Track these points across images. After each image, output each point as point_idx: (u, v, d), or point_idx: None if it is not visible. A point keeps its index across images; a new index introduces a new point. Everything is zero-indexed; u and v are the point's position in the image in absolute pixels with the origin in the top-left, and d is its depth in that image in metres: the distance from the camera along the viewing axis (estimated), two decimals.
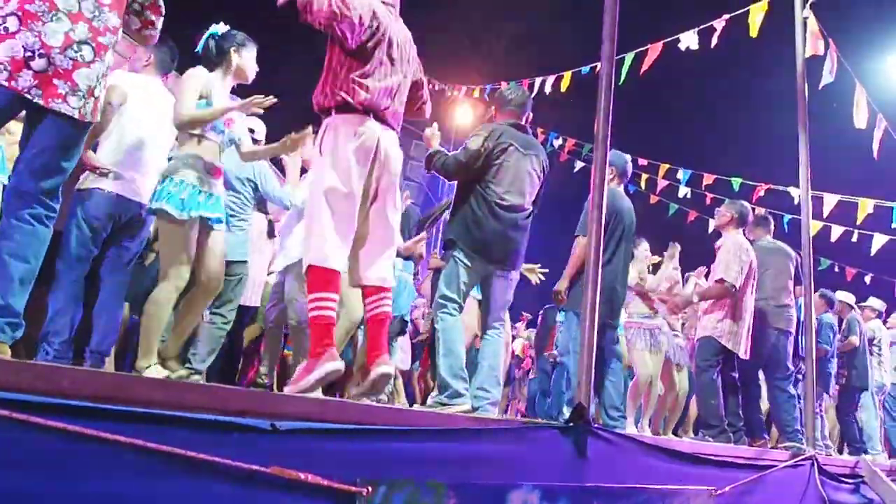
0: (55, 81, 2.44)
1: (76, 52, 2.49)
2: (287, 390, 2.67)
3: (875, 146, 6.56)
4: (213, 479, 1.71)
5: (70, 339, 3.44)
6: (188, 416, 1.71)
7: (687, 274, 6.55)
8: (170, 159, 3.58)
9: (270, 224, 5.34)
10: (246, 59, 3.59)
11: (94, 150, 3.54)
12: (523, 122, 4.17)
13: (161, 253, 3.47)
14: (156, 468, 1.63)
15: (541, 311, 8.94)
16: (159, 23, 2.94)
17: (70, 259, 3.47)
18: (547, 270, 5.13)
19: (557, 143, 10.83)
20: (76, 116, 2.48)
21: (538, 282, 5.14)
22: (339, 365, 2.66)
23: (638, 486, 3.03)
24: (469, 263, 3.81)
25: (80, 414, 1.53)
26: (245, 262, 4.36)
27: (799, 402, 5.56)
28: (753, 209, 6.45)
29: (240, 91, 3.73)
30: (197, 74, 3.42)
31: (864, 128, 6.26)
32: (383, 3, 3.07)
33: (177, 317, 3.62)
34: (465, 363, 3.70)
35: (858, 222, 8.47)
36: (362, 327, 4.39)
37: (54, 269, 3.49)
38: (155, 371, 3.26)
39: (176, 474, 1.66)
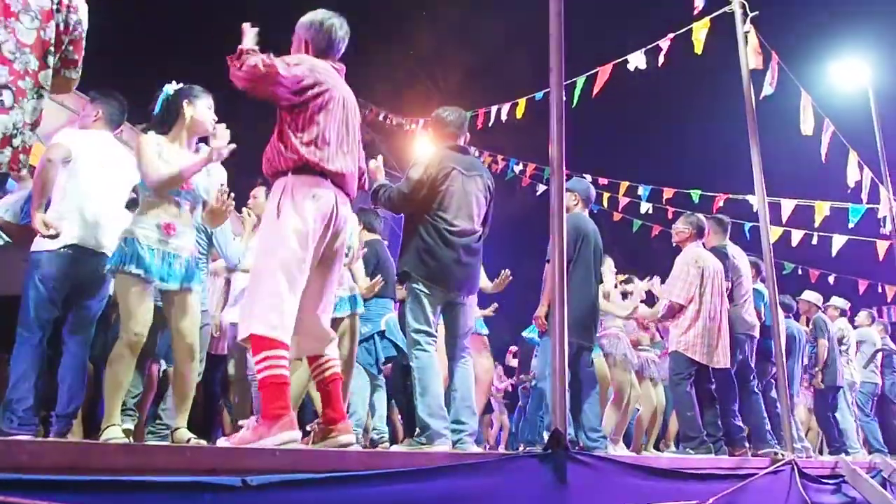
0: None
1: None
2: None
3: (823, 150, 6.75)
4: None
5: (34, 405, 3.36)
6: (156, 480, 1.67)
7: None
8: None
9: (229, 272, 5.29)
10: (200, 111, 3.48)
11: (46, 210, 3.48)
12: (462, 144, 4.11)
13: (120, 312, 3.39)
14: None
15: (518, 340, 8.95)
16: (80, 66, 2.70)
17: (29, 323, 3.41)
18: (510, 275, 5.14)
19: (518, 168, 10.93)
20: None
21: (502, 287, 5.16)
22: (296, 435, 2.55)
23: None
24: (429, 292, 3.74)
25: (42, 487, 1.49)
26: (205, 310, 4.31)
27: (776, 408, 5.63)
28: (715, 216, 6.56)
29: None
30: (148, 140, 3.35)
31: (811, 134, 6.44)
32: (332, 66, 3.01)
33: (173, 389, 3.58)
34: (443, 400, 3.65)
35: (817, 225, 8.67)
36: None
37: (15, 334, 3.43)
38: (111, 433, 3.17)
39: None
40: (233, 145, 3.28)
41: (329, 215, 2.82)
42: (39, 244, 3.49)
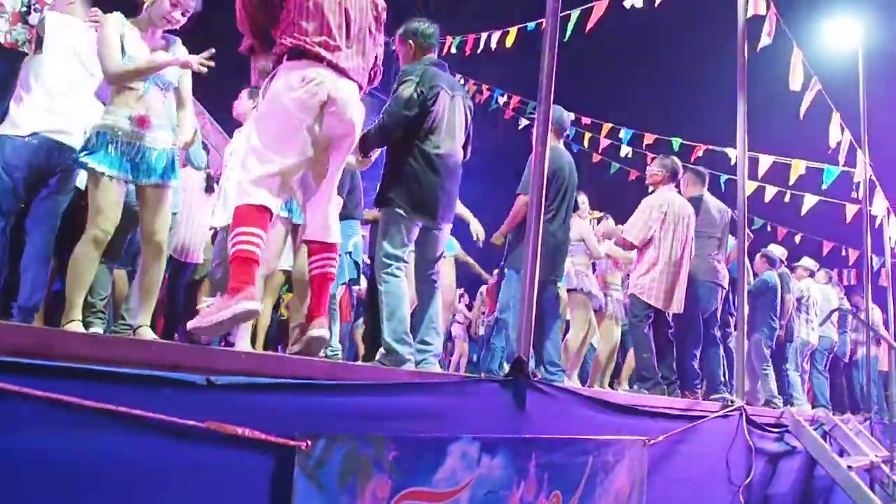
0: None
1: None
2: (191, 325, 2.53)
3: (804, 107, 6.74)
4: (146, 435, 1.67)
5: None
6: (119, 371, 1.67)
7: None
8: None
9: (209, 178, 5.20)
10: (162, 4, 3.24)
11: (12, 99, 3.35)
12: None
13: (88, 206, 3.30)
14: (86, 424, 1.58)
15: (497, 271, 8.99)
16: None
17: None
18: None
19: (502, 100, 10.79)
20: (1, 41, 2.28)
21: (478, 238, 5.16)
22: (256, 305, 2.51)
23: (575, 436, 3.11)
24: (408, 218, 3.65)
25: (3, 369, 1.47)
26: (175, 213, 4.23)
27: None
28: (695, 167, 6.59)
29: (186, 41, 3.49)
30: (111, 22, 3.17)
31: (799, 89, 6.42)
32: None
33: (138, 287, 3.46)
34: (409, 326, 3.66)
35: (791, 183, 8.75)
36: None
37: None
38: (73, 327, 3.10)
39: (108, 430, 1.62)
40: (207, 61, 3.20)
41: (324, 99, 2.75)
42: (4, 129, 3.37)
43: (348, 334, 7.50)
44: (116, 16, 3.24)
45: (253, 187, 2.62)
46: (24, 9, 2.33)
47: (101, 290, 3.89)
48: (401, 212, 3.63)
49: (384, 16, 3.17)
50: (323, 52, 2.76)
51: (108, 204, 3.12)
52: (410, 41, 3.90)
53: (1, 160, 3.32)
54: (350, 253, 4.97)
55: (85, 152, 3.12)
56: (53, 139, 3.42)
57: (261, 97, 2.81)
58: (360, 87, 2.98)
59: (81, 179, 3.62)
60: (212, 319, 2.45)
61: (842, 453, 5.60)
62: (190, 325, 2.56)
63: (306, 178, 2.95)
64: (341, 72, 2.83)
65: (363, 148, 3.78)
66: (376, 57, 3.16)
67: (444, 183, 3.70)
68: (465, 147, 3.94)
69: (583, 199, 6.08)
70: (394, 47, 4.01)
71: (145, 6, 3.29)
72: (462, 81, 9.10)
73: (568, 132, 5.17)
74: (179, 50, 3.39)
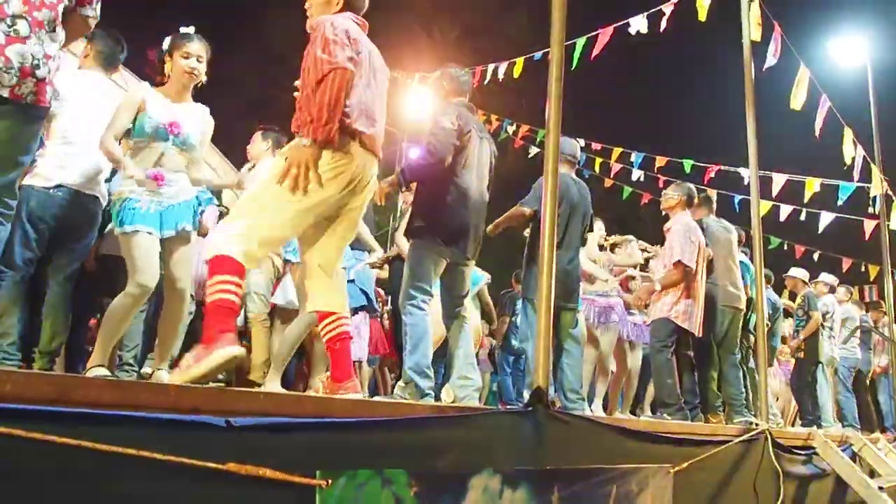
0: None
1: (9, 26, 2.35)
2: (173, 378, 2.46)
3: (818, 125, 6.73)
4: (167, 479, 1.68)
5: (17, 340, 3.35)
6: (140, 416, 1.68)
7: (646, 256, 6.68)
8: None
9: (222, 215, 5.25)
10: (176, 62, 3.39)
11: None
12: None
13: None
14: (108, 470, 1.59)
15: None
16: (97, 3, 2.71)
17: (13, 260, 3.37)
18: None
19: (511, 129, 10.85)
20: (6, 95, 2.34)
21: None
22: (238, 351, 2.44)
23: (597, 466, 3.07)
24: (438, 252, 3.71)
25: (26, 417, 1.49)
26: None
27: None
28: (706, 191, 6.59)
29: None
30: (131, 98, 3.32)
31: (799, 109, 6.41)
32: (355, 22, 2.85)
33: (159, 331, 3.53)
34: (431, 361, 3.67)
35: (806, 201, 8.71)
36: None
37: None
38: (97, 372, 3.17)
39: (129, 475, 1.62)
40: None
41: (350, 178, 2.71)
42: (30, 179, 3.44)
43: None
44: (140, 87, 3.36)
45: (243, 249, 2.54)
46: (36, 62, 2.39)
47: (128, 342, 3.91)
48: (431, 245, 3.66)
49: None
50: (354, 130, 2.71)
51: (146, 258, 3.20)
52: (445, 83, 4.06)
53: (26, 211, 3.37)
54: (353, 281, 4.97)
55: (114, 220, 3.23)
56: (77, 190, 3.49)
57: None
58: (379, 159, 2.94)
59: None
60: (194, 373, 2.37)
61: (872, 474, 5.48)
62: (174, 377, 2.48)
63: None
64: (367, 148, 2.79)
65: (408, 179, 3.85)
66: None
67: (473, 219, 3.75)
68: (487, 188, 4.03)
69: (599, 226, 6.09)
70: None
71: (167, 75, 3.42)
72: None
73: (580, 160, 5.20)
74: (205, 116, 3.53)
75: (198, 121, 3.46)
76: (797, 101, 6.42)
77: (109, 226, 3.59)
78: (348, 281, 4.95)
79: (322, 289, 2.85)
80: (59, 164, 3.45)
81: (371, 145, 2.80)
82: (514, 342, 7.44)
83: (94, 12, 2.72)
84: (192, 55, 3.39)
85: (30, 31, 2.37)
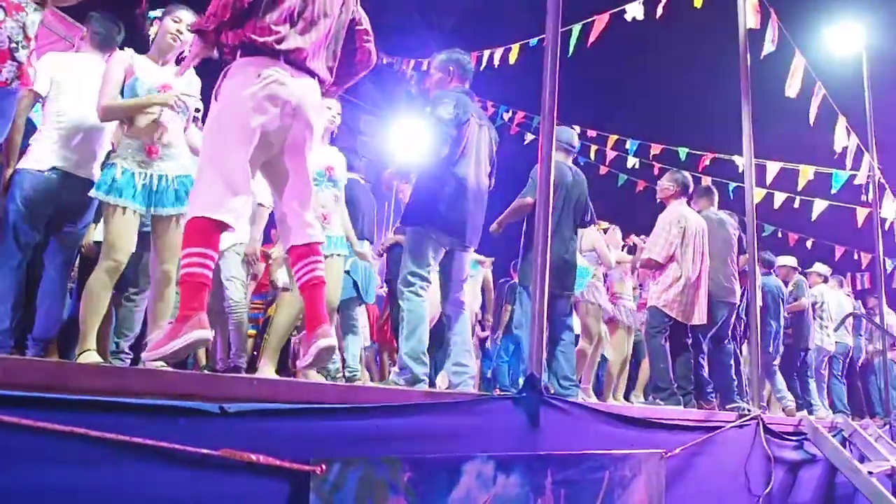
0: None
1: None
2: (144, 356, 2.47)
3: (812, 113, 6.74)
4: (161, 465, 1.68)
5: (11, 327, 3.34)
6: (133, 402, 1.67)
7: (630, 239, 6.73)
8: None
9: None
10: (165, 24, 3.37)
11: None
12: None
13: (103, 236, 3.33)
14: (101, 457, 1.59)
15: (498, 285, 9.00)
16: None
17: (8, 245, 3.35)
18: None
19: (507, 115, 10.83)
20: None
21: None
22: (208, 334, 2.39)
23: (591, 452, 3.09)
24: (437, 240, 3.73)
25: (17, 404, 1.48)
26: None
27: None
28: (700, 179, 6.60)
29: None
30: (118, 59, 3.28)
31: (795, 97, 6.42)
32: None
33: (150, 315, 3.44)
34: (427, 347, 3.68)
35: (800, 189, 8.72)
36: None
37: None
38: (87, 357, 3.14)
39: (123, 462, 1.62)
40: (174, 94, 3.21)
41: (279, 98, 2.55)
42: (24, 163, 3.41)
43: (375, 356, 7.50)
44: (124, 52, 3.32)
45: (211, 198, 2.45)
46: (14, 45, 2.35)
47: (126, 330, 3.83)
48: (429, 232, 3.68)
49: None
50: (279, 47, 2.57)
51: (121, 234, 3.16)
52: (451, 67, 4.03)
53: (20, 194, 3.36)
54: (348, 272, 4.96)
55: (97, 187, 3.17)
56: (72, 173, 3.46)
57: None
58: (322, 82, 2.79)
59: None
60: (165, 350, 2.34)
61: (862, 459, 5.53)
62: (144, 355, 2.48)
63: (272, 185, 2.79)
64: (300, 67, 2.64)
65: (409, 177, 3.85)
66: (360, 37, 2.95)
67: (472, 207, 3.75)
68: (489, 175, 4.02)
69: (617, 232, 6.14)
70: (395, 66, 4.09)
71: (151, 39, 3.37)
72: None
73: (576, 148, 5.20)
74: (193, 80, 3.47)
75: (186, 81, 3.39)
76: (792, 89, 6.43)
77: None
78: (345, 272, 4.96)
79: (294, 224, 2.72)
80: (53, 147, 3.42)
81: (302, 64, 2.64)
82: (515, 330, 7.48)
83: None
84: (181, 21, 3.38)
85: (4, 16, 2.34)
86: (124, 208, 3.15)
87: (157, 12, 3.47)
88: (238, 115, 2.50)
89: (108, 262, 3.15)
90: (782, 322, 7.16)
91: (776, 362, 6.98)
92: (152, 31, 3.43)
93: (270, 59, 2.56)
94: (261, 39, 2.53)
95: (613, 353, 6.43)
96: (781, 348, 7.11)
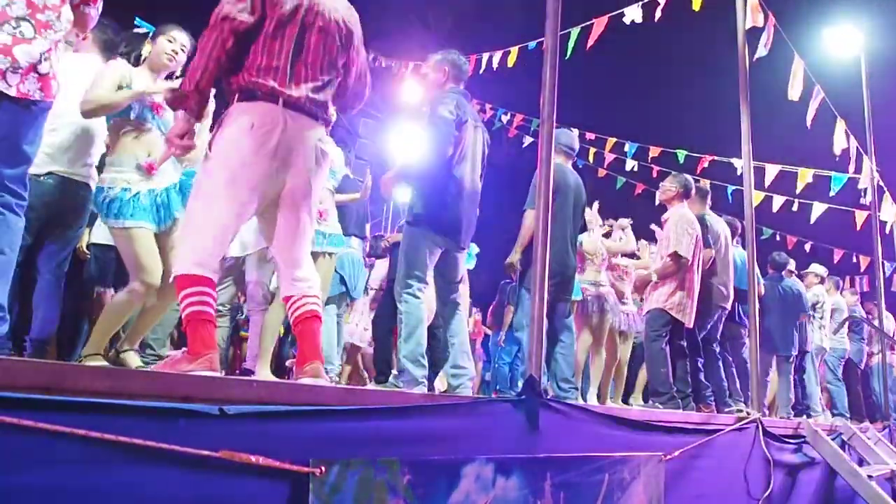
0: None
1: (14, 27, 2.40)
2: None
3: (810, 116, 6.74)
4: (160, 467, 1.67)
5: (7, 329, 3.33)
6: (132, 404, 1.67)
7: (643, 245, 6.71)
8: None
9: None
10: (158, 44, 3.42)
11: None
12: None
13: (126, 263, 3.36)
14: (100, 458, 1.59)
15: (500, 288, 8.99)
16: (100, 3, 2.76)
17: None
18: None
19: (505, 118, 10.83)
20: (14, 94, 2.39)
21: None
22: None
23: (590, 454, 3.09)
24: (434, 241, 3.73)
25: (16, 405, 1.48)
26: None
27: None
28: (697, 181, 6.60)
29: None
30: (118, 65, 3.31)
31: (797, 100, 6.42)
32: None
33: (139, 318, 3.48)
34: (426, 349, 3.68)
35: (798, 192, 8.73)
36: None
37: None
38: (93, 361, 3.16)
39: (122, 463, 1.62)
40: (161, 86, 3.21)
41: (274, 145, 2.49)
42: None
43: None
44: (120, 61, 3.33)
45: (196, 254, 2.44)
46: (36, 60, 2.43)
47: (160, 332, 3.84)
48: (426, 233, 3.68)
49: (358, 31, 2.86)
50: (276, 89, 2.50)
51: (148, 256, 3.20)
52: (447, 67, 4.01)
53: None
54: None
55: (107, 212, 3.21)
56: (67, 178, 3.46)
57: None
58: (328, 124, 2.74)
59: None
60: None
61: (861, 463, 5.52)
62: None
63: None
64: (299, 109, 2.57)
65: (410, 176, 3.89)
66: (357, 75, 2.88)
67: (467, 209, 3.77)
68: (480, 177, 4.03)
69: (592, 213, 6.09)
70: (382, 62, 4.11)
71: (143, 58, 3.43)
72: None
73: (576, 151, 5.20)
74: None
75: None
76: (794, 91, 6.43)
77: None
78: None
79: (283, 276, 2.70)
80: (49, 150, 3.41)
81: (300, 106, 2.57)
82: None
83: (95, 12, 2.76)
84: (175, 40, 3.43)
85: (35, 34, 2.43)
86: (141, 228, 3.20)
87: (146, 27, 3.51)
88: (231, 171, 2.45)
89: (141, 287, 3.18)
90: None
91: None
92: (145, 50, 3.48)
93: (268, 102, 2.50)
94: (258, 82, 2.48)
95: (607, 355, 6.40)
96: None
